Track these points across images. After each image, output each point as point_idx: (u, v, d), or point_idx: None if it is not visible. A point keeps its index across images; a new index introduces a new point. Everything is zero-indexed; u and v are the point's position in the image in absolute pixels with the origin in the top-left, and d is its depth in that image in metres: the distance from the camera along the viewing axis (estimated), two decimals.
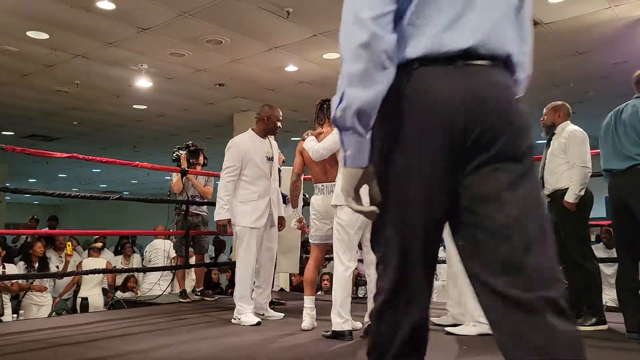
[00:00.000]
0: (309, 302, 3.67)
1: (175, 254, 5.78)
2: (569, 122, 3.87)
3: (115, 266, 7.38)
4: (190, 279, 6.10)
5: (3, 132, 10.54)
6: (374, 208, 1.25)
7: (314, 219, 3.76)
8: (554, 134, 3.87)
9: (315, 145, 3.59)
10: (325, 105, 3.84)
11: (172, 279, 6.18)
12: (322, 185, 3.72)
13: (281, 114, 4.25)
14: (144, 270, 6.36)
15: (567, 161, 3.70)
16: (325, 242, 3.73)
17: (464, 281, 3.50)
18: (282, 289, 6.61)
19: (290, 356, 2.99)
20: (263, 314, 4.12)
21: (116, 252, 8.50)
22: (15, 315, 5.35)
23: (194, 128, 9.84)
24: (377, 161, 1.25)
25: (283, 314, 4.20)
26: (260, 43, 6.10)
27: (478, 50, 1.19)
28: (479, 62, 1.19)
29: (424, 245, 1.23)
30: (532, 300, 1.10)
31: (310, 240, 3.85)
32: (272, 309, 4.28)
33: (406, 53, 1.20)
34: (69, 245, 7.29)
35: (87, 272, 5.73)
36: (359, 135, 1.20)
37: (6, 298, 5.79)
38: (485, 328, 3.28)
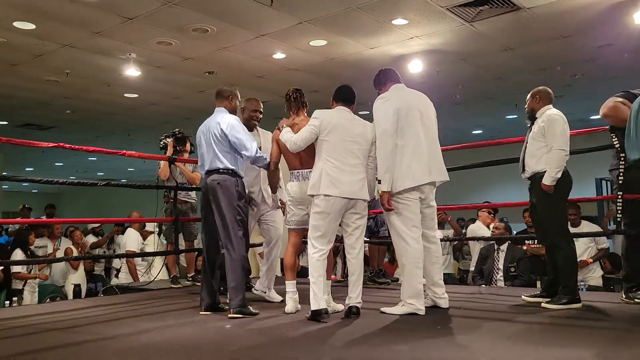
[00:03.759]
0: (290, 286, 3.78)
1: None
2: (550, 106, 3.90)
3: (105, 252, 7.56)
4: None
5: None
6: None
7: (290, 204, 3.85)
8: (536, 118, 3.93)
9: (292, 137, 3.68)
10: (297, 94, 3.93)
11: (149, 266, 6.40)
12: (298, 172, 3.82)
13: (255, 105, 4.45)
14: (132, 255, 6.49)
15: (547, 144, 3.76)
16: (301, 227, 3.83)
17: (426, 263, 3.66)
18: None
19: (268, 338, 3.10)
20: (265, 292, 4.32)
21: (112, 239, 8.63)
22: (7, 302, 5.50)
23: (186, 116, 9.89)
24: None
25: (282, 298, 4.22)
26: (246, 31, 6.13)
27: (210, 168, 3.85)
28: (211, 173, 3.83)
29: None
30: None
31: (286, 225, 3.95)
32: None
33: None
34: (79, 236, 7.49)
35: (72, 259, 5.85)
36: None
37: (19, 284, 6.06)
38: (413, 308, 3.52)
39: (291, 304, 3.76)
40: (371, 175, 3.70)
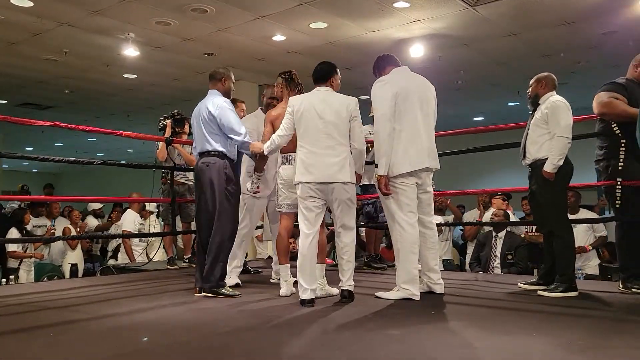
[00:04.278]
0: (284, 270, 3.77)
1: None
2: (554, 92, 3.85)
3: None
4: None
5: None
6: None
7: (282, 187, 3.83)
8: (539, 104, 3.88)
9: (277, 133, 3.68)
10: (288, 75, 3.95)
11: (147, 247, 6.43)
12: (290, 155, 3.78)
13: (271, 91, 4.50)
14: (128, 236, 6.49)
15: (549, 131, 3.71)
16: (293, 210, 3.79)
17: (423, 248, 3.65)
18: (270, 257, 6.73)
19: (261, 320, 3.09)
20: (279, 279, 4.23)
21: (108, 219, 8.62)
22: (4, 280, 5.51)
23: (186, 97, 9.81)
24: None
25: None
26: (245, 12, 6.05)
27: (200, 151, 3.85)
28: (202, 156, 3.84)
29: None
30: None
31: (278, 209, 3.92)
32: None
33: None
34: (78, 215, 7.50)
35: (69, 238, 5.83)
36: None
37: (15, 263, 6.09)
38: (408, 293, 3.50)
39: (285, 287, 3.75)
40: (357, 158, 3.59)
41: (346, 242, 3.56)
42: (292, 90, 3.92)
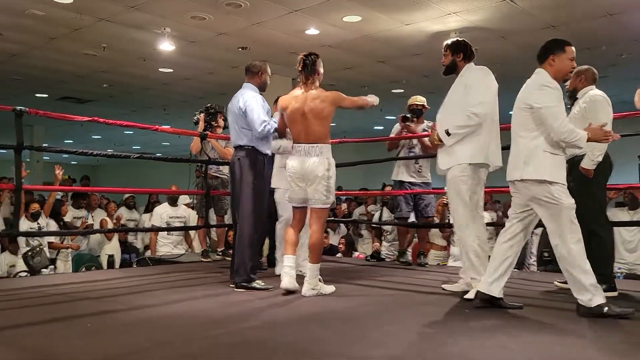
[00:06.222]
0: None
1: None
2: (593, 86, 3.74)
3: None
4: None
5: (37, 95, 10.83)
6: None
7: (290, 180, 3.73)
8: (577, 99, 3.77)
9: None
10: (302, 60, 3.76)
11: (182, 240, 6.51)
12: (300, 147, 3.65)
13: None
14: (164, 229, 6.57)
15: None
16: (302, 205, 3.71)
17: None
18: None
19: (293, 314, 3.10)
20: (301, 271, 4.16)
21: (146, 211, 8.78)
22: (45, 270, 5.65)
23: (221, 91, 9.91)
24: None
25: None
26: (279, 6, 6.06)
27: (234, 145, 3.99)
28: (235, 150, 3.95)
29: None
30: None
31: (289, 202, 3.86)
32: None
33: None
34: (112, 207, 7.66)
35: (101, 231, 5.93)
36: None
37: (52, 254, 6.25)
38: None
39: (286, 279, 3.64)
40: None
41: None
42: (305, 76, 3.68)
